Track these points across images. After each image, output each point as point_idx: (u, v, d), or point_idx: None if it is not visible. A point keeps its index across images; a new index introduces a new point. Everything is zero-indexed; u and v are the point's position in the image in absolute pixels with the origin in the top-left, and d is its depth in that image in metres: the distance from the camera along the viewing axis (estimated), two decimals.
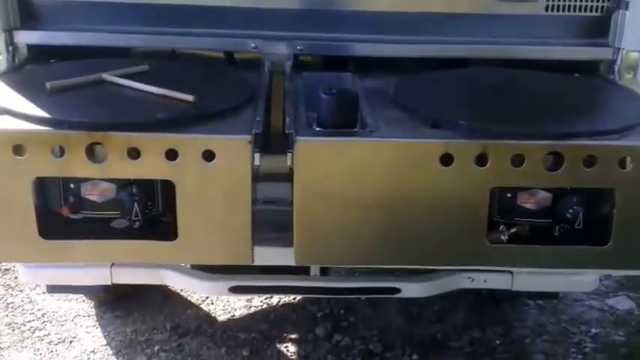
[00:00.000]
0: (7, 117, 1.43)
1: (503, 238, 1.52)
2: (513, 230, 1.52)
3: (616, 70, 1.90)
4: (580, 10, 1.92)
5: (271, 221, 1.54)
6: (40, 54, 1.88)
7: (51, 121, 1.38)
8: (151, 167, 1.41)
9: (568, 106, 1.66)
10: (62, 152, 1.39)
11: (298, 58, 1.89)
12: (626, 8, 1.88)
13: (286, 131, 1.46)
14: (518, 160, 1.44)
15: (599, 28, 1.92)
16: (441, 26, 1.93)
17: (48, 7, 1.89)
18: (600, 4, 1.92)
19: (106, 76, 1.60)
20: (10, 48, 1.85)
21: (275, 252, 1.56)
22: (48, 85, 1.52)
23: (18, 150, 1.39)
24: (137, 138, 1.38)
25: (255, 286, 1.95)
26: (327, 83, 1.67)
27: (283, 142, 1.49)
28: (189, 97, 1.48)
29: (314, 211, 1.46)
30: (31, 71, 1.77)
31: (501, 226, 1.51)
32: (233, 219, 1.45)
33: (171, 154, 1.40)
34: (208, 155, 1.41)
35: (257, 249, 1.49)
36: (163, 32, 1.88)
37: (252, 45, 1.91)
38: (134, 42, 1.88)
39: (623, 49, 1.89)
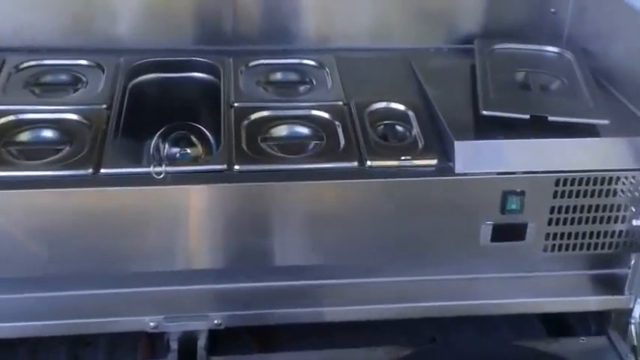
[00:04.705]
0: None
1: None
2: None
3: (632, 326, 1.43)
4: (584, 249, 1.36)
5: None
6: None
7: None
8: None
9: None
10: None
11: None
12: None
13: None
14: None
15: (611, 272, 1.42)
16: (421, 269, 1.41)
17: None
18: (610, 240, 1.36)
19: None
20: None
21: None
22: None
23: None
24: None
25: None
26: None
27: None
28: None
29: None
30: None
31: None
32: None
33: None
34: None
35: None
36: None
37: (152, 324, 1.36)
38: None
39: None
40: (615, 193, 1.32)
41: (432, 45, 1.69)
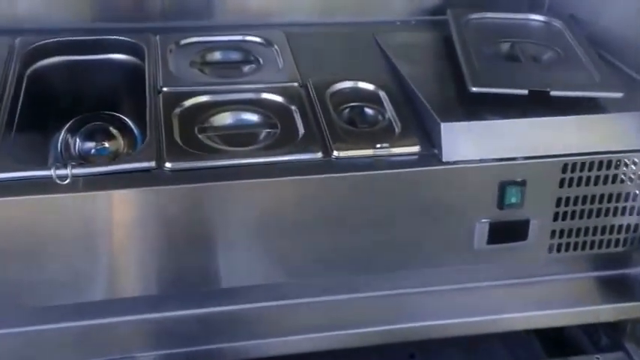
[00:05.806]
0: None
1: None
2: None
3: None
4: (595, 247, 1.12)
5: None
6: None
7: None
8: None
9: None
10: None
11: None
12: None
13: None
14: None
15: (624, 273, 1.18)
16: (402, 281, 1.13)
17: None
18: (625, 235, 1.12)
19: None
20: None
21: None
22: None
23: None
24: None
25: None
26: None
27: None
28: None
29: None
30: None
31: None
32: None
33: None
34: None
35: None
36: None
37: None
38: None
39: None
40: (632, 178, 1.10)
41: (397, 18, 1.45)
